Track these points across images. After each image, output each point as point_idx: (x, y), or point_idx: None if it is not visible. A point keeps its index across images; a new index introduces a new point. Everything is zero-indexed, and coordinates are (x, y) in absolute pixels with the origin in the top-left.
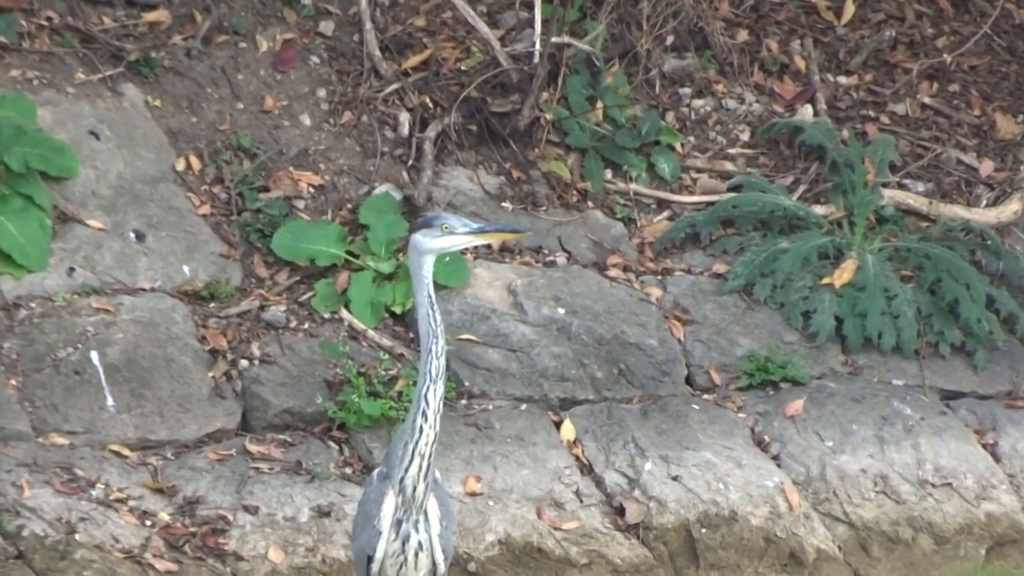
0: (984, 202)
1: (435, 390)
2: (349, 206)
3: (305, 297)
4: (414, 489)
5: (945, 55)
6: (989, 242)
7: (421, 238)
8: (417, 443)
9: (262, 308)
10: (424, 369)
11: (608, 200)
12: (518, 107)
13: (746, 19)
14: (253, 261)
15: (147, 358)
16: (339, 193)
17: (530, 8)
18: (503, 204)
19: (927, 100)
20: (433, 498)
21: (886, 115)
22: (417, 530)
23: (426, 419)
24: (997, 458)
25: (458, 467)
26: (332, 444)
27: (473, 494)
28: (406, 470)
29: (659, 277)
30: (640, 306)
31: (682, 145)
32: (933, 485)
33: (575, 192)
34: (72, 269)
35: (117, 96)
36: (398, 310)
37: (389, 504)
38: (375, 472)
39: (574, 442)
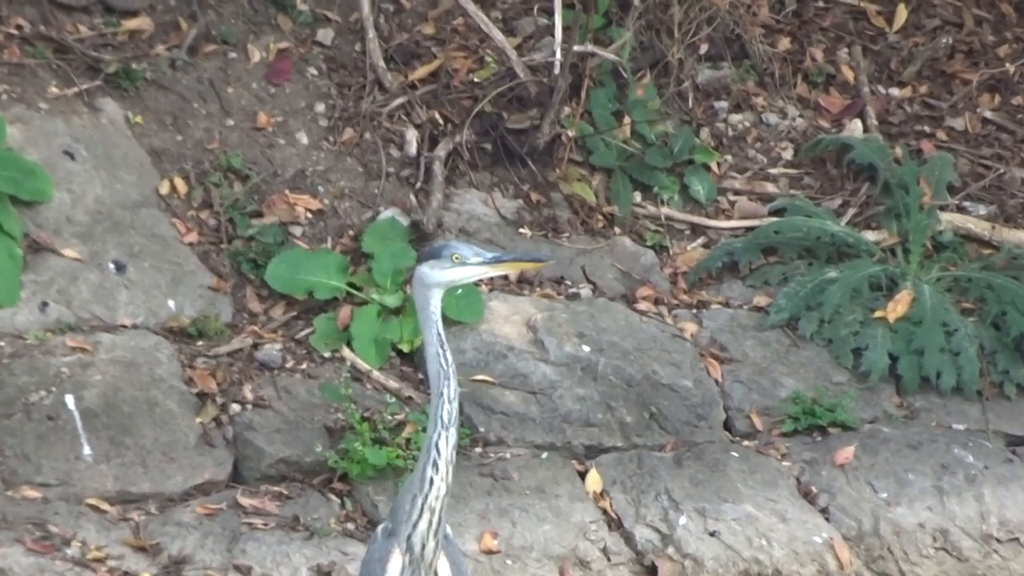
0: None
1: (447, 437)
2: (351, 233)
3: (303, 334)
4: (423, 547)
5: (1008, 64)
6: None
7: (428, 270)
8: (427, 496)
9: (255, 346)
10: (435, 414)
11: (637, 225)
12: (537, 123)
13: (788, 25)
14: (245, 294)
15: (128, 402)
16: (340, 219)
17: (550, 14)
18: (521, 230)
19: (988, 114)
20: (444, 557)
21: (943, 131)
22: None
23: (437, 470)
24: None
25: (472, 522)
26: (333, 497)
27: (489, 552)
28: (414, 526)
29: (694, 311)
30: (673, 343)
31: (718, 164)
32: (999, 540)
33: (600, 217)
34: (45, 304)
35: (94, 112)
36: (406, 348)
37: (395, 563)
38: (380, 528)
39: (601, 494)
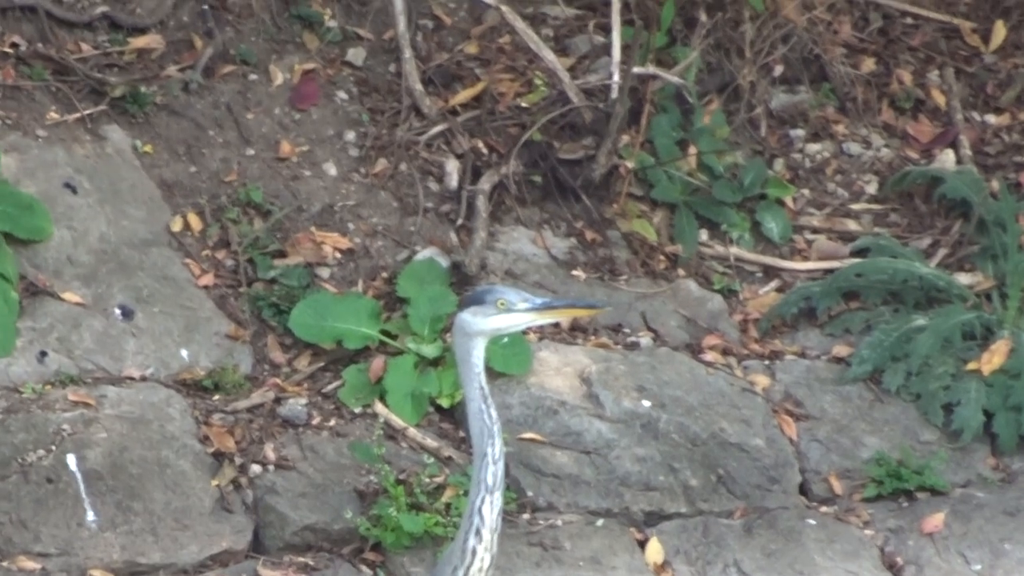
0: None
1: (491, 502)
2: (384, 275)
3: (331, 387)
4: None
5: None
6: None
7: (471, 317)
8: (469, 568)
9: (278, 401)
10: (478, 477)
11: (703, 267)
12: (592, 153)
13: (873, 44)
14: (266, 343)
15: (136, 463)
16: (372, 259)
17: (607, 31)
18: (574, 272)
19: None
20: None
21: None
22: None
23: (480, 539)
24: None
25: None
26: (364, 568)
27: None
28: None
29: (766, 362)
30: (743, 398)
31: (794, 199)
32: None
33: (663, 257)
34: (44, 353)
35: (98, 140)
36: (445, 403)
37: None
38: None
39: (663, 565)
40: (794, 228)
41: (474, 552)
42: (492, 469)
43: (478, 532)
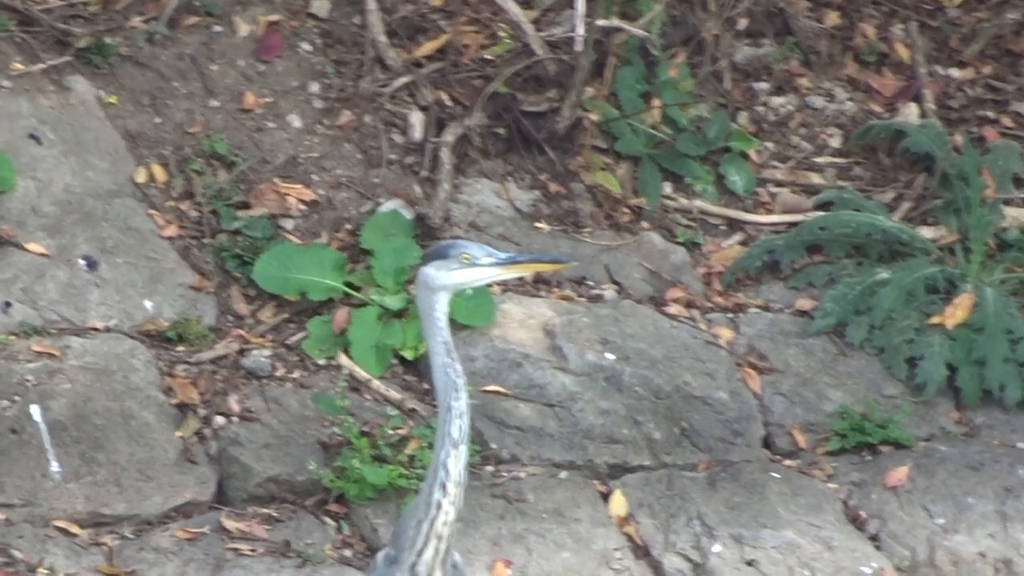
0: None
1: (456, 456)
2: (348, 227)
3: (295, 339)
4: None
5: None
6: None
7: (434, 272)
8: (434, 521)
9: (242, 352)
10: (443, 431)
11: (667, 220)
12: (556, 106)
13: None
14: (230, 294)
15: (100, 414)
16: (336, 211)
17: None
18: (538, 224)
19: None
20: None
21: (1008, 116)
22: None
23: (445, 492)
24: None
25: (483, 548)
26: (328, 520)
27: None
28: (419, 554)
29: (730, 315)
30: (706, 351)
31: (758, 152)
32: None
33: (626, 210)
34: (8, 304)
35: (63, 91)
36: (409, 355)
37: None
38: (380, 554)
39: (626, 518)
40: (758, 181)
41: (439, 506)
42: (458, 423)
43: (443, 486)
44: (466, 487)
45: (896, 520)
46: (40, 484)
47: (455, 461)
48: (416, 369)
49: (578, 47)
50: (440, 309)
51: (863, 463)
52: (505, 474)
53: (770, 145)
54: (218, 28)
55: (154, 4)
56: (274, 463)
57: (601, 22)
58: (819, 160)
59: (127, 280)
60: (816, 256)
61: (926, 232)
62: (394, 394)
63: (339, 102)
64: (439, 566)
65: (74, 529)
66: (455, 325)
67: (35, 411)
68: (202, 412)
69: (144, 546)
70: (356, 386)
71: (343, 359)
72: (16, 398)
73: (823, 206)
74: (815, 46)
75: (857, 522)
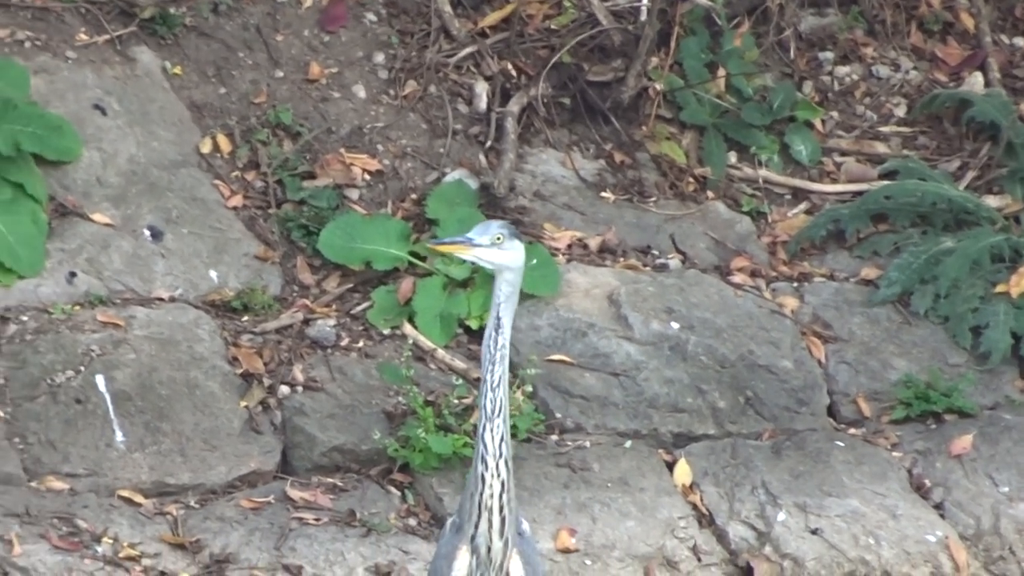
0: None
1: (492, 430)
2: (414, 196)
3: (359, 309)
4: (489, 549)
5: None
6: None
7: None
8: (481, 495)
9: (307, 322)
10: (480, 403)
11: (732, 189)
12: (621, 75)
13: None
14: (295, 264)
15: (165, 384)
16: (401, 181)
17: None
18: (603, 194)
19: None
20: (517, 556)
21: None
22: None
23: (486, 466)
24: None
25: (548, 517)
26: (393, 489)
27: (566, 551)
28: (476, 526)
29: (795, 284)
30: (771, 320)
31: (823, 122)
32: None
33: (691, 179)
34: (73, 274)
35: (128, 62)
36: (474, 325)
37: (462, 562)
38: (449, 521)
39: (690, 487)
40: (823, 150)
41: (483, 479)
42: (490, 396)
43: (483, 459)
44: (532, 455)
45: (960, 488)
46: (105, 454)
47: (491, 434)
48: (480, 339)
49: (643, 17)
50: (497, 283)
51: (928, 431)
52: (570, 443)
53: (835, 114)
54: None
55: None
56: (339, 432)
57: None
58: (884, 129)
59: (192, 250)
60: (881, 225)
61: (991, 201)
62: (459, 363)
63: (404, 72)
64: (497, 538)
65: (138, 499)
66: (521, 295)
67: (100, 381)
68: (267, 382)
69: (208, 516)
70: (421, 355)
71: (408, 328)
72: (81, 368)
73: (888, 175)
74: (880, 15)
75: (921, 490)
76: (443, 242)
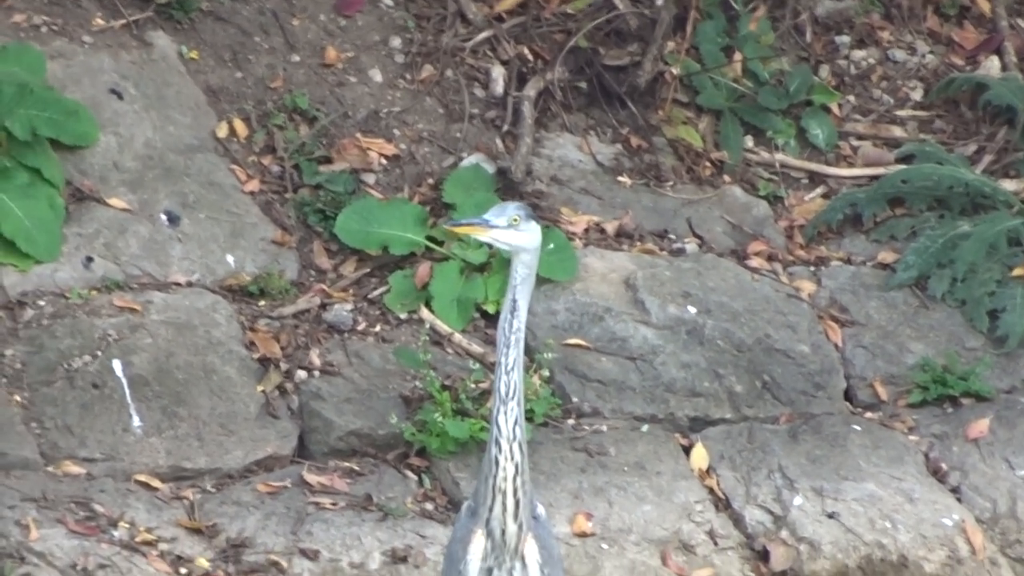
0: None
1: (506, 412)
2: (430, 181)
3: (376, 293)
4: (503, 532)
5: None
6: None
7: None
8: (495, 478)
9: (323, 307)
10: (495, 386)
11: (749, 173)
12: (637, 59)
13: None
14: (312, 249)
15: (182, 368)
16: (418, 165)
17: None
18: (619, 178)
19: None
20: (532, 540)
21: None
22: None
23: (500, 448)
24: None
25: (564, 501)
26: (409, 474)
27: (583, 535)
28: (490, 509)
29: (811, 268)
30: (788, 304)
31: (839, 106)
32: None
33: (708, 164)
34: (90, 259)
35: (144, 46)
36: (491, 309)
37: (477, 546)
38: (465, 505)
39: (707, 471)
40: (839, 134)
41: (496, 462)
42: (504, 379)
43: (496, 442)
44: (549, 439)
45: (977, 472)
46: (121, 438)
47: (505, 417)
48: (497, 323)
49: (659, 1)
50: (513, 265)
51: (944, 415)
52: (587, 427)
53: (851, 98)
54: None
55: None
56: (355, 417)
57: None
58: (901, 113)
59: (209, 235)
60: (898, 209)
61: (1008, 185)
62: (476, 348)
63: (420, 56)
64: (511, 521)
65: (155, 483)
66: (538, 279)
67: (117, 366)
68: (284, 366)
69: (225, 500)
70: (438, 340)
71: (425, 313)
72: (98, 353)
73: (905, 159)
74: None
75: (938, 474)
76: (460, 223)
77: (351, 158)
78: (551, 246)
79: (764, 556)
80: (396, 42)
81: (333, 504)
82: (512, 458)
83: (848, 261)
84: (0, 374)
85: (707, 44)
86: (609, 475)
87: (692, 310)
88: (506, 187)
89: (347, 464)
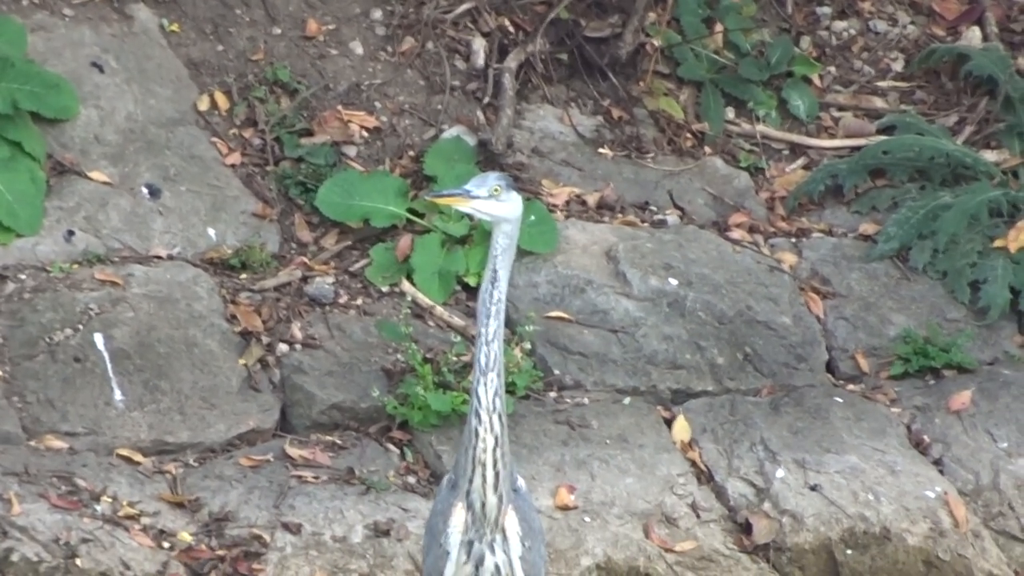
0: None
1: (486, 384)
2: (411, 153)
3: (358, 266)
4: (483, 505)
5: None
6: None
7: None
8: (475, 449)
9: (305, 280)
10: (475, 357)
11: (730, 145)
12: (618, 31)
13: None
14: (293, 222)
15: (164, 342)
16: (399, 138)
17: None
18: (601, 150)
19: None
20: (512, 512)
21: None
22: (493, 551)
23: (480, 420)
24: None
25: (547, 474)
26: (391, 447)
27: (565, 508)
28: (470, 481)
29: (793, 240)
30: (770, 276)
31: (820, 77)
32: None
33: (689, 135)
34: (71, 232)
35: (125, 19)
36: (472, 281)
37: (458, 518)
38: (445, 478)
39: (689, 443)
40: (820, 106)
41: (476, 433)
42: (484, 350)
43: (476, 414)
44: (531, 411)
45: (959, 444)
46: (103, 412)
47: (485, 389)
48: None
49: None
50: (494, 235)
51: (926, 387)
52: (568, 400)
53: (832, 69)
54: None
55: None
56: (337, 390)
57: None
58: (882, 84)
59: (190, 208)
60: (879, 180)
61: (989, 155)
62: (457, 320)
63: (401, 28)
64: (491, 493)
65: (137, 457)
66: (519, 251)
67: (98, 339)
68: (265, 340)
69: (208, 474)
70: (419, 313)
71: (406, 286)
72: (79, 327)
73: (886, 130)
74: None
75: (920, 446)
76: (441, 194)
77: (332, 131)
78: (532, 218)
79: (747, 529)
80: (377, 14)
81: (315, 478)
82: (492, 430)
83: (829, 232)
84: None
85: (688, 15)
86: (591, 448)
87: (673, 282)
88: (487, 159)
89: (329, 437)
